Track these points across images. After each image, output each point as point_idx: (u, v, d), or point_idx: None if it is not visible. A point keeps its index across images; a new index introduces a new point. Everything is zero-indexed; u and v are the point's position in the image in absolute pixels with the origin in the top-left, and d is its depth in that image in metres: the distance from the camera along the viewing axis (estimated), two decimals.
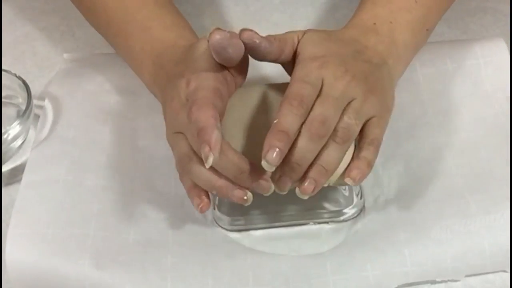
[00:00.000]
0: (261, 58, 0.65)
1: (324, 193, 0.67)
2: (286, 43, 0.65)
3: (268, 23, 0.87)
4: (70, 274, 0.64)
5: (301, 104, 0.60)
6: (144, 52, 0.70)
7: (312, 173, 0.61)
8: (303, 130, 0.60)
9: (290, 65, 0.66)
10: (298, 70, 0.63)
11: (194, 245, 0.67)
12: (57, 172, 0.70)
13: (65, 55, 0.82)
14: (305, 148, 0.60)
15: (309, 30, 0.67)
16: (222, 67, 0.64)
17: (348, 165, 0.63)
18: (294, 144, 0.60)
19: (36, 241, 0.65)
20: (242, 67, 0.66)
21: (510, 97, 0.75)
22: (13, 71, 0.75)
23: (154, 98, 0.76)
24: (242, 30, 0.63)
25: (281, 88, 0.70)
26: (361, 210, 0.69)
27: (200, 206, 0.63)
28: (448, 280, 0.64)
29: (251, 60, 0.66)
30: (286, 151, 0.59)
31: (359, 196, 0.69)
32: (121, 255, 0.65)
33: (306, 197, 0.61)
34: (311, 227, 0.69)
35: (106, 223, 0.67)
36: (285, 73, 0.71)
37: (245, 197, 0.62)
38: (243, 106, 0.68)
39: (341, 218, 0.69)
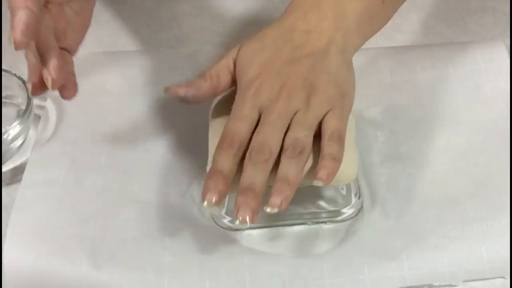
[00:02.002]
0: (197, 102, 0.67)
1: (322, 193, 0.67)
2: (219, 76, 0.67)
3: (268, 23, 0.87)
4: (68, 273, 0.64)
5: (231, 144, 0.62)
6: None
7: (276, 187, 0.61)
8: (246, 160, 0.61)
9: None
10: (235, 103, 0.64)
11: (192, 244, 0.67)
12: (57, 172, 0.71)
13: None
14: (251, 174, 0.61)
15: (242, 45, 0.67)
16: None
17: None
18: (242, 173, 0.61)
19: (35, 241, 0.65)
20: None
21: (510, 102, 0.74)
22: (13, 71, 0.75)
23: (155, 98, 0.76)
24: (165, 89, 0.66)
25: None
26: (359, 210, 0.69)
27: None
28: (446, 285, 0.64)
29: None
30: (224, 188, 0.60)
31: (357, 196, 0.69)
32: (119, 254, 0.65)
33: (275, 210, 0.60)
34: (310, 227, 0.69)
35: (105, 224, 0.67)
36: None
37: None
38: None
39: (339, 218, 0.69)
